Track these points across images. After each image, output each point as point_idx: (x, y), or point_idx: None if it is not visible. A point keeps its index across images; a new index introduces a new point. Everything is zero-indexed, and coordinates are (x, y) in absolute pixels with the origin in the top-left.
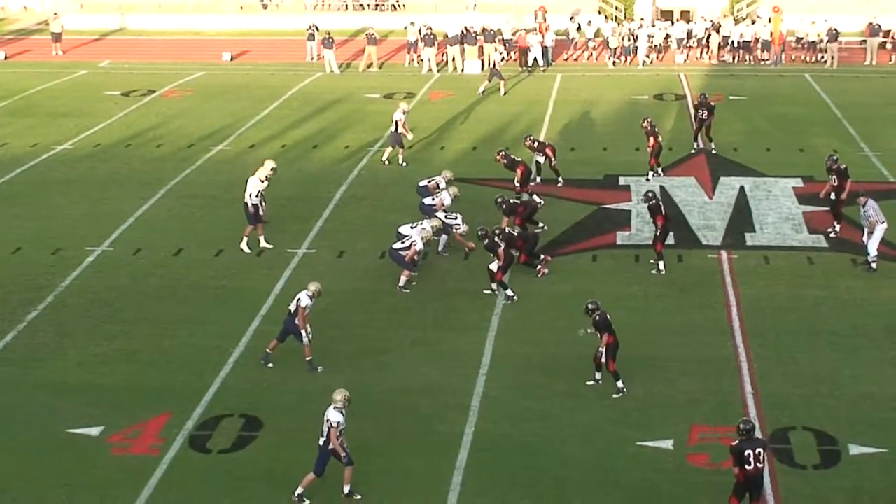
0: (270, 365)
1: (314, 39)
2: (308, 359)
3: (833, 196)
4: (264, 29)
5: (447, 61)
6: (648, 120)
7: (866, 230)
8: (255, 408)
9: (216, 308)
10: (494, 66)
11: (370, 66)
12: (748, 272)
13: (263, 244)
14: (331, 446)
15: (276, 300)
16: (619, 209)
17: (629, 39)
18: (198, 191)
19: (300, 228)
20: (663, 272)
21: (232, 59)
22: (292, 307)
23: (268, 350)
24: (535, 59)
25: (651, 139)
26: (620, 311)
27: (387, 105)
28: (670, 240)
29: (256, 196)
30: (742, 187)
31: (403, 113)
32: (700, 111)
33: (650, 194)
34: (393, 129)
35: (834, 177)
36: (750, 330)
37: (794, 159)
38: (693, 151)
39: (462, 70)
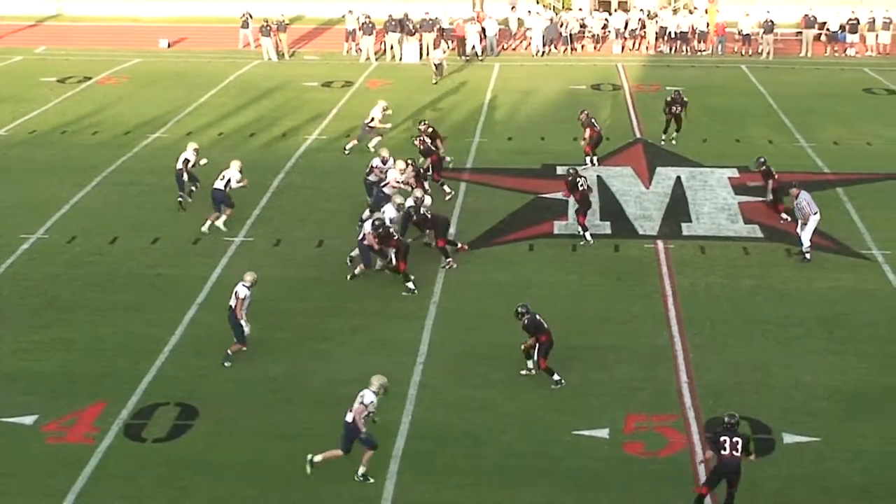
0: (228, 364)
1: (248, 27)
2: (229, 351)
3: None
4: (202, 16)
5: (385, 50)
6: (586, 112)
7: (800, 221)
8: (191, 396)
9: (152, 296)
10: (437, 60)
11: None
12: (684, 262)
13: (205, 229)
14: (353, 421)
15: (212, 288)
16: (557, 199)
17: (567, 29)
18: (134, 178)
19: (237, 216)
20: (591, 242)
21: (169, 46)
22: (232, 302)
23: (228, 352)
24: (473, 47)
25: (588, 130)
26: (557, 301)
27: (324, 93)
28: (606, 229)
29: (224, 181)
30: (678, 177)
31: (382, 111)
32: (674, 107)
33: (571, 171)
34: (367, 121)
35: (760, 177)
36: (686, 319)
37: (730, 150)
38: (661, 141)
39: (400, 59)
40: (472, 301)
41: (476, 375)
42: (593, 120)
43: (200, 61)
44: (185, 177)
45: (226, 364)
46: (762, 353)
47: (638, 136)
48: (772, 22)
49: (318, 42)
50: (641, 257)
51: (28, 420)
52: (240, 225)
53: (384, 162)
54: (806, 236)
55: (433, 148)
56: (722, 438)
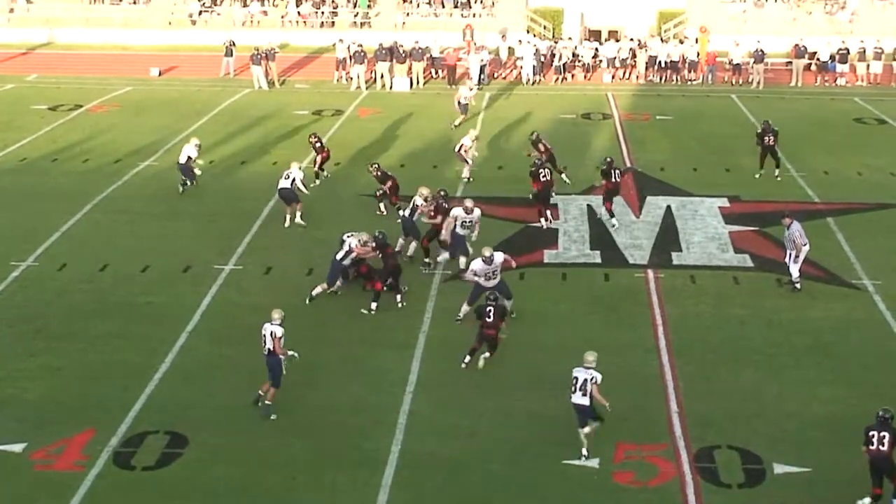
0: (274, 417)
1: (231, 55)
2: (264, 396)
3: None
4: (193, 44)
5: (375, 78)
6: (536, 133)
7: (790, 252)
8: (181, 424)
9: (142, 324)
10: (463, 100)
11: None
12: (674, 291)
13: (299, 220)
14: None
15: (202, 316)
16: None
17: (559, 59)
18: (125, 206)
19: (227, 244)
20: (552, 223)
21: (160, 74)
22: (269, 345)
23: (260, 393)
24: (480, 75)
25: (540, 146)
26: (548, 329)
27: (315, 122)
28: (597, 258)
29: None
30: (669, 206)
31: (472, 140)
32: (766, 137)
33: (538, 162)
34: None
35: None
36: (676, 349)
37: (720, 179)
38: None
39: (391, 87)
40: (462, 330)
41: (465, 404)
42: (542, 137)
43: (191, 89)
44: (188, 169)
45: (272, 417)
46: (752, 382)
47: (628, 165)
48: (762, 51)
49: (309, 70)
50: (632, 286)
51: (17, 447)
52: (230, 253)
53: (426, 200)
54: (795, 268)
55: (389, 174)
56: (870, 433)
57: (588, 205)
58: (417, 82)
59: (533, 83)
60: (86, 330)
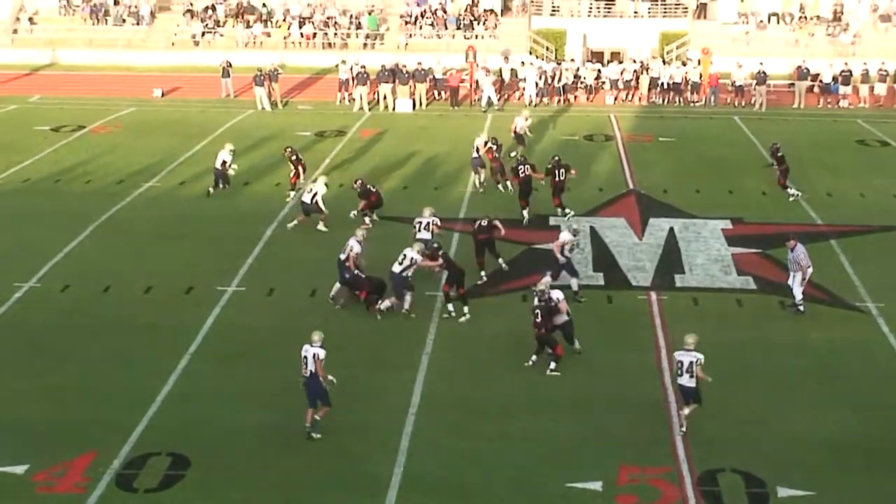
0: (317, 435)
1: (228, 76)
2: (318, 416)
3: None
4: (196, 65)
5: (378, 99)
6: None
7: (793, 274)
8: (183, 446)
9: (144, 345)
10: (519, 129)
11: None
12: (677, 313)
13: (321, 227)
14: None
15: (205, 337)
16: (549, 249)
17: (560, 80)
18: (127, 227)
19: (230, 266)
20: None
21: (163, 94)
22: (311, 367)
23: (307, 424)
24: (489, 98)
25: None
26: None
27: (317, 142)
28: (600, 280)
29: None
30: (671, 228)
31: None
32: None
33: (520, 158)
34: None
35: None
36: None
37: (723, 201)
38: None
39: (393, 108)
40: (465, 352)
41: (468, 427)
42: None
43: (194, 110)
44: (222, 174)
45: (314, 435)
46: (755, 405)
47: (631, 186)
48: (764, 73)
49: (311, 91)
50: (635, 308)
51: (19, 469)
52: (232, 274)
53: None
54: (798, 290)
55: (371, 189)
56: None
57: (591, 226)
58: (420, 103)
59: (536, 104)
60: (88, 351)
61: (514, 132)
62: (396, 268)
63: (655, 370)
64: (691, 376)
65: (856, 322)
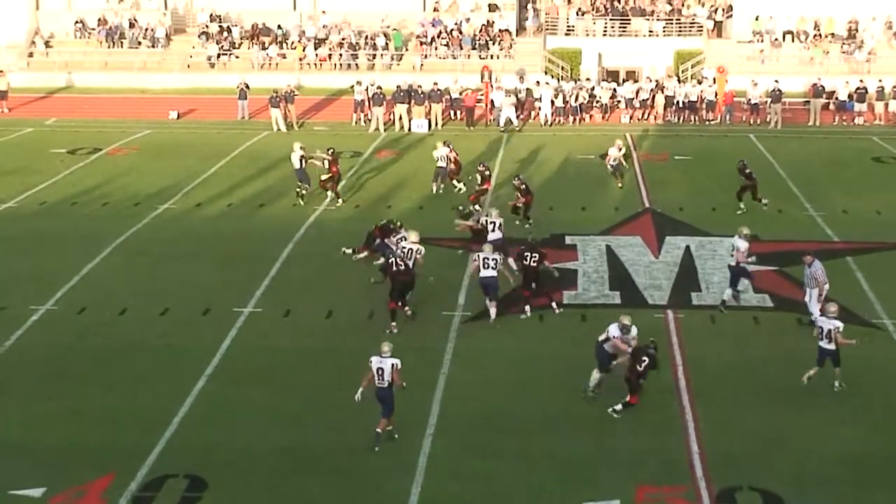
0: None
1: (245, 98)
2: (378, 430)
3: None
4: (211, 87)
5: (394, 120)
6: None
7: (809, 290)
8: (201, 468)
9: (162, 367)
10: (613, 161)
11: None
12: (694, 331)
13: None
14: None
15: (222, 359)
16: (566, 268)
17: (576, 99)
18: (144, 249)
19: (247, 287)
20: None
21: (179, 116)
22: (387, 377)
23: (378, 430)
24: (509, 118)
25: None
26: (567, 370)
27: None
28: (616, 299)
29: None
30: (688, 246)
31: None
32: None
33: (520, 177)
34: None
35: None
36: (696, 389)
37: (738, 219)
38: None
39: (409, 129)
40: (482, 371)
41: (485, 445)
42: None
43: (210, 132)
44: (303, 174)
45: (376, 448)
46: (774, 422)
47: (647, 205)
48: (780, 91)
49: (327, 112)
50: (651, 327)
51: (36, 492)
52: (249, 296)
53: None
54: (815, 306)
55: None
56: None
57: (607, 245)
58: (436, 124)
59: (551, 124)
60: (105, 373)
61: (609, 164)
62: (488, 273)
63: (673, 388)
64: (830, 341)
65: (873, 339)
